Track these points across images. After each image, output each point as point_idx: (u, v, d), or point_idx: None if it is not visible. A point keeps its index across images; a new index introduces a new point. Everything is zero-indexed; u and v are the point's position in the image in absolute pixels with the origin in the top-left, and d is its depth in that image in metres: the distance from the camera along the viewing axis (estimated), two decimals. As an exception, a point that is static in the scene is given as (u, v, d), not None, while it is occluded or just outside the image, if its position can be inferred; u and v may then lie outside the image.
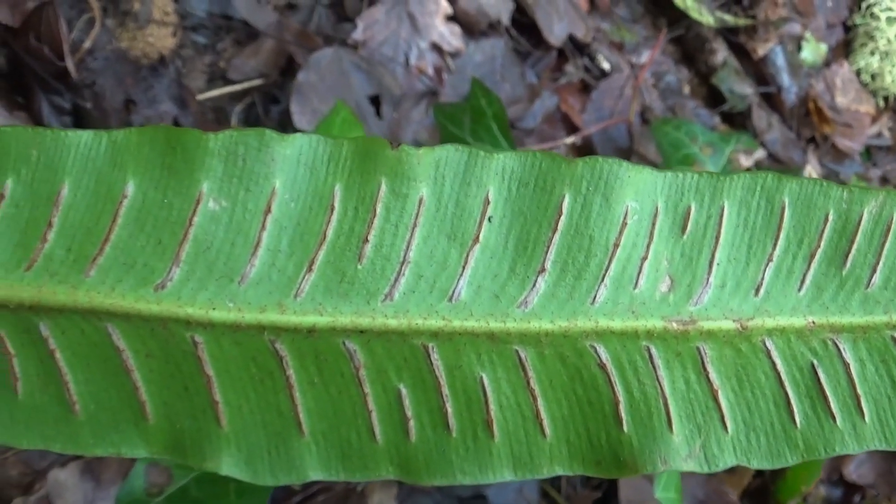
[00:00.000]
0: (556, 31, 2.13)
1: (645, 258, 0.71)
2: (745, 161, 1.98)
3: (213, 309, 0.66)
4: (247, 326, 0.66)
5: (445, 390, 0.68)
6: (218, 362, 0.66)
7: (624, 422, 0.69)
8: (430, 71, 2.00)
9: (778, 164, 2.27)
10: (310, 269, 0.67)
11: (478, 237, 0.69)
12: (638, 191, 0.71)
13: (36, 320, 0.65)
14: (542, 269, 0.70)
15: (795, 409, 0.71)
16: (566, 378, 0.69)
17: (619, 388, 0.69)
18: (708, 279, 0.72)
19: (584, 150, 2.04)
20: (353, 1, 2.00)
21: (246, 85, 1.88)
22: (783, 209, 0.72)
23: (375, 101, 1.93)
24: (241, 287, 0.66)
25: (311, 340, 0.66)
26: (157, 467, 1.32)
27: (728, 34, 2.43)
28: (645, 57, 2.27)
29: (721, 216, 0.72)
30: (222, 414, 0.67)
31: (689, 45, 2.39)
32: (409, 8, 2.00)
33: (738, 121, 2.35)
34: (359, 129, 1.52)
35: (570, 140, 1.97)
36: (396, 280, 0.68)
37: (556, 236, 0.70)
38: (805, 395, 0.72)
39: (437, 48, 2.02)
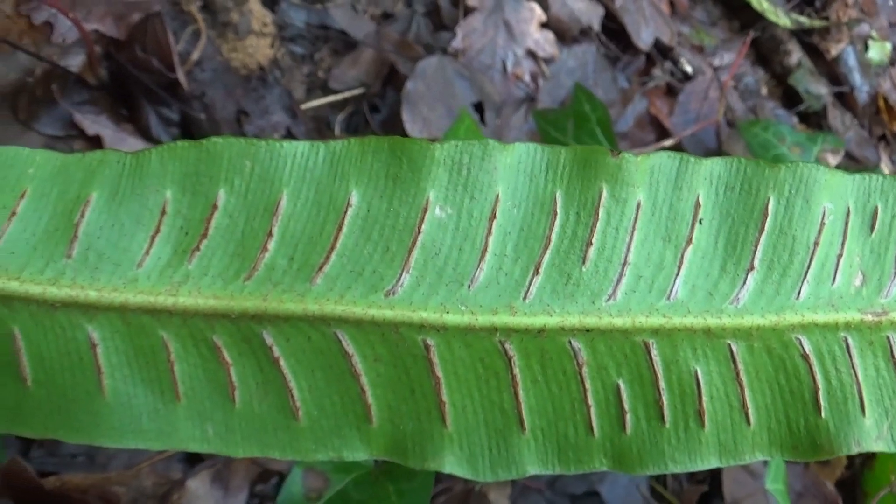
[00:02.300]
0: (643, 36, 2.16)
1: (840, 255, 0.74)
2: (833, 160, 2.00)
3: (447, 312, 0.67)
4: (479, 328, 0.68)
5: (662, 384, 0.70)
6: (447, 364, 0.68)
7: (822, 408, 0.72)
8: (527, 77, 2.02)
9: (855, 163, 2.28)
10: (536, 272, 0.69)
11: (691, 238, 0.71)
12: (833, 193, 0.74)
13: (258, 329, 0.66)
14: (751, 268, 0.72)
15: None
16: (771, 369, 0.72)
17: (818, 377, 0.72)
18: (895, 273, 0.75)
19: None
20: (450, 9, 2.03)
21: (347, 94, 1.91)
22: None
23: (478, 107, 1.96)
24: (471, 291, 0.68)
25: (539, 340, 0.68)
26: (313, 472, 1.34)
27: (801, 35, 2.44)
28: (723, 59, 2.29)
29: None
30: (447, 414, 0.68)
31: (764, 47, 2.41)
32: (505, 16, 2.03)
33: (813, 120, 2.36)
34: (478, 136, 1.55)
35: (668, 143, 1.99)
36: (618, 281, 0.70)
37: (763, 236, 0.72)
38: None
39: (532, 55, 2.04)
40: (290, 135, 1.82)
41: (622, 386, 0.70)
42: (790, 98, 2.40)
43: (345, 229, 0.68)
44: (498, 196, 0.69)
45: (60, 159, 0.69)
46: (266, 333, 0.66)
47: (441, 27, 2.07)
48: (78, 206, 0.68)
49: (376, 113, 1.94)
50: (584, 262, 0.70)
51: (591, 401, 0.70)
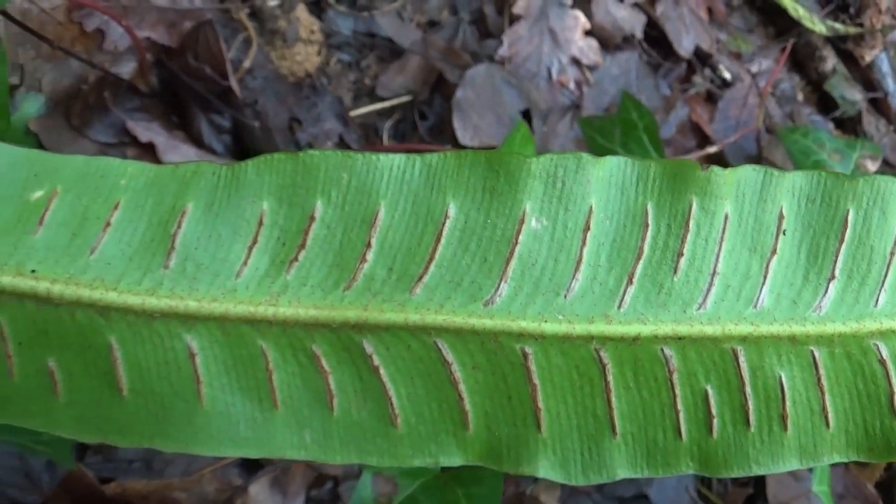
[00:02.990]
0: (685, 43, 2.18)
1: (915, 264, 0.76)
2: (872, 166, 2.01)
3: (545, 322, 0.69)
4: (576, 337, 0.69)
5: (748, 389, 0.72)
6: (544, 372, 0.69)
7: (897, 411, 0.74)
8: (572, 84, 2.04)
9: (892, 169, 2.30)
10: (630, 282, 0.71)
11: (775, 249, 0.73)
12: (904, 203, 0.76)
13: (358, 338, 0.68)
14: (832, 277, 0.74)
15: None
16: (850, 374, 0.74)
17: (894, 381, 0.74)
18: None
19: (715, 159, 2.09)
20: (495, 17, 2.04)
21: (394, 101, 1.93)
22: None
23: (525, 114, 1.98)
24: (568, 300, 0.70)
25: (633, 348, 0.70)
26: (381, 477, 1.36)
27: (836, 42, 2.46)
28: (761, 66, 2.31)
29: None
30: (543, 420, 0.70)
31: (799, 53, 2.43)
32: (550, 24, 2.05)
33: (848, 126, 2.38)
34: (532, 145, 1.57)
35: (712, 150, 2.01)
36: (708, 290, 0.72)
37: (843, 247, 0.74)
38: None
39: (576, 62, 2.06)
40: (342, 143, 1.84)
41: (710, 391, 0.72)
42: (825, 104, 2.41)
43: (443, 240, 0.69)
44: (591, 208, 0.71)
45: (153, 170, 0.70)
46: (366, 342, 0.68)
47: (487, 35, 2.09)
48: (174, 216, 0.69)
49: (424, 120, 1.96)
50: (675, 272, 0.72)
51: (680, 406, 0.72)
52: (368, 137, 1.89)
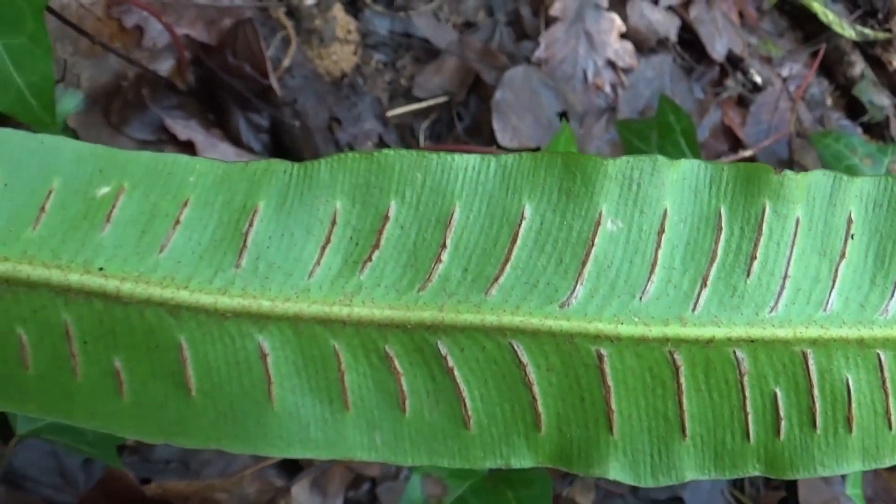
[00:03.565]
0: (718, 47, 2.19)
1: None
2: (903, 171, 2.02)
3: (621, 324, 0.69)
4: (651, 339, 0.70)
5: (816, 392, 0.72)
6: (618, 374, 0.70)
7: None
8: (607, 87, 2.05)
9: (918, 174, 2.31)
10: (704, 285, 0.72)
11: (844, 253, 0.74)
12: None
13: (432, 339, 0.68)
14: (899, 280, 0.75)
15: None
16: (914, 376, 0.75)
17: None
18: None
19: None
20: (531, 19, 2.05)
21: (431, 102, 1.94)
22: None
23: (562, 116, 1.99)
24: (643, 303, 0.70)
25: (706, 350, 0.71)
26: (431, 479, 1.36)
27: (864, 47, 2.47)
28: (791, 70, 2.32)
29: None
30: (615, 422, 0.70)
31: (828, 58, 2.44)
32: (587, 26, 2.06)
33: (876, 131, 2.39)
34: (574, 147, 1.58)
35: (747, 153, 2.02)
36: (780, 293, 0.73)
37: (910, 251, 0.75)
38: None
39: (611, 65, 2.08)
40: (382, 143, 1.84)
41: (779, 394, 0.73)
42: (853, 109, 2.42)
43: (518, 242, 0.70)
44: (666, 210, 0.72)
45: (222, 168, 0.69)
46: (441, 343, 0.68)
47: (523, 36, 2.10)
48: (245, 215, 0.69)
49: (460, 121, 1.97)
50: (748, 275, 0.73)
51: (749, 408, 0.72)
52: (404, 138, 1.89)
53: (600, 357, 0.69)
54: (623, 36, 2.13)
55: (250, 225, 0.69)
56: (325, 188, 0.70)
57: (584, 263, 0.70)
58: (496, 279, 0.69)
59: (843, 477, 1.74)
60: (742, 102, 2.25)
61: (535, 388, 0.69)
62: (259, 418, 0.68)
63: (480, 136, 1.93)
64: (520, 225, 0.70)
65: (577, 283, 0.70)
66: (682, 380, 0.71)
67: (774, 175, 0.73)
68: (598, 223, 0.71)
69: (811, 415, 0.73)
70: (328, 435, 0.68)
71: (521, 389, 0.69)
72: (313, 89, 1.82)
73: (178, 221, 0.68)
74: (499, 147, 1.87)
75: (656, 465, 0.72)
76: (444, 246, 0.69)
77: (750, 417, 0.73)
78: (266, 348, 0.67)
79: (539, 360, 0.69)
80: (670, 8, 2.20)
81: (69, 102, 1.66)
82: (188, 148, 1.67)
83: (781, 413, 0.73)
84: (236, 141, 1.73)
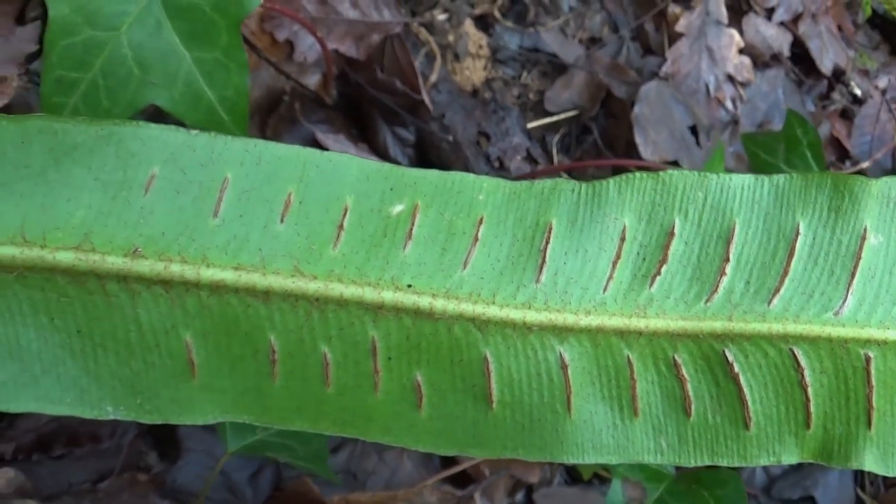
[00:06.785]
0: (825, 61, 2.26)
1: None
2: None
3: (887, 329, 0.74)
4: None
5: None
6: (881, 374, 0.74)
7: None
8: (728, 101, 2.12)
9: None
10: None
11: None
12: None
13: (719, 347, 0.72)
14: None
15: None
16: None
17: None
18: None
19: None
20: (655, 35, 2.12)
21: (563, 116, 2.00)
22: None
23: (692, 130, 2.07)
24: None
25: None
26: (630, 482, 1.42)
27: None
28: (888, 82, 2.39)
29: None
30: (874, 419, 0.75)
31: (919, 70, 2.51)
32: (708, 42, 2.13)
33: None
34: (723, 163, 1.64)
35: (864, 165, 2.09)
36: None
37: None
38: None
39: (731, 79, 2.15)
40: (530, 157, 1.89)
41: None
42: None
43: (795, 255, 0.74)
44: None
45: (508, 186, 0.73)
46: (727, 351, 0.72)
47: (648, 51, 2.17)
48: (538, 232, 0.72)
49: (588, 134, 2.04)
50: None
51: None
52: (537, 152, 1.97)
53: (868, 359, 0.74)
54: (741, 51, 2.21)
55: (546, 242, 0.73)
56: (613, 206, 0.74)
57: (853, 275, 0.74)
58: (777, 291, 0.74)
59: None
60: (844, 115, 2.33)
61: (810, 391, 0.74)
62: (557, 426, 0.72)
63: (616, 150, 2.00)
64: (795, 240, 0.75)
65: (847, 292, 0.74)
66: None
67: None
68: (864, 238, 0.75)
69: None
70: (618, 440, 0.73)
71: (797, 391, 0.74)
72: (459, 104, 1.86)
73: (476, 239, 0.72)
74: (640, 160, 1.92)
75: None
76: (727, 259, 0.74)
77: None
78: (567, 359, 0.71)
79: (814, 364, 0.73)
80: (782, 24, 2.28)
81: (225, 117, 1.69)
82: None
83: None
84: (384, 155, 1.77)
